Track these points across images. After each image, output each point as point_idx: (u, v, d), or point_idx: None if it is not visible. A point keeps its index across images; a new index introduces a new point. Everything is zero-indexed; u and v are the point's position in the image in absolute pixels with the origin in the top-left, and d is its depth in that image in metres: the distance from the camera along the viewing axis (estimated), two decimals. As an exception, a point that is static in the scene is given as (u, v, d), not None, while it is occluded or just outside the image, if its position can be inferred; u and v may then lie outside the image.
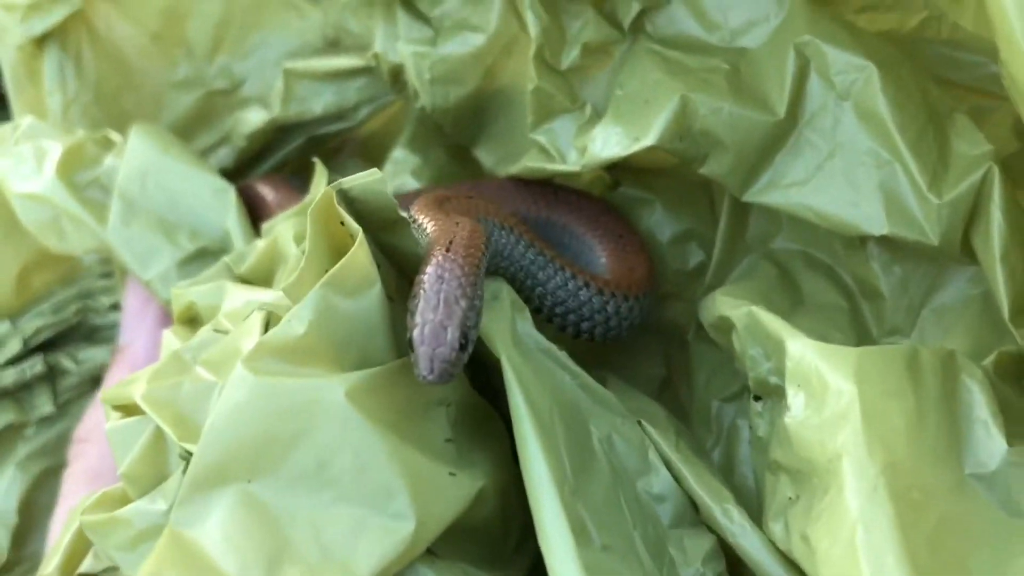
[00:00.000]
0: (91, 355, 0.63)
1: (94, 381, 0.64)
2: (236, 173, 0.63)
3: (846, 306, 0.46)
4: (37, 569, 0.59)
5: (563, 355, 0.41)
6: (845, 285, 0.47)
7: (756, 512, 0.41)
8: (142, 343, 0.57)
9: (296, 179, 0.60)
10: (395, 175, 0.57)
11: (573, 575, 0.32)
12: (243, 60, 0.64)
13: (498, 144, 0.54)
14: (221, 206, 0.55)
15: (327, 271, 0.34)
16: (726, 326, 0.43)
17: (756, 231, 0.49)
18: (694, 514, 0.40)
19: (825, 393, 0.34)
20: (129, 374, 0.55)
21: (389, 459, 0.32)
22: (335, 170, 0.63)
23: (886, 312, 0.45)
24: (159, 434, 0.37)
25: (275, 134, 0.61)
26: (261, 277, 0.48)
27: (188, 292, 0.47)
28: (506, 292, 0.41)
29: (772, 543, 0.37)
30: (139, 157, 0.56)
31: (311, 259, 0.35)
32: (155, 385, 0.37)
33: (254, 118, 0.61)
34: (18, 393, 0.62)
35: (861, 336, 0.45)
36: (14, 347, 0.61)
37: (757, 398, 0.42)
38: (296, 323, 0.33)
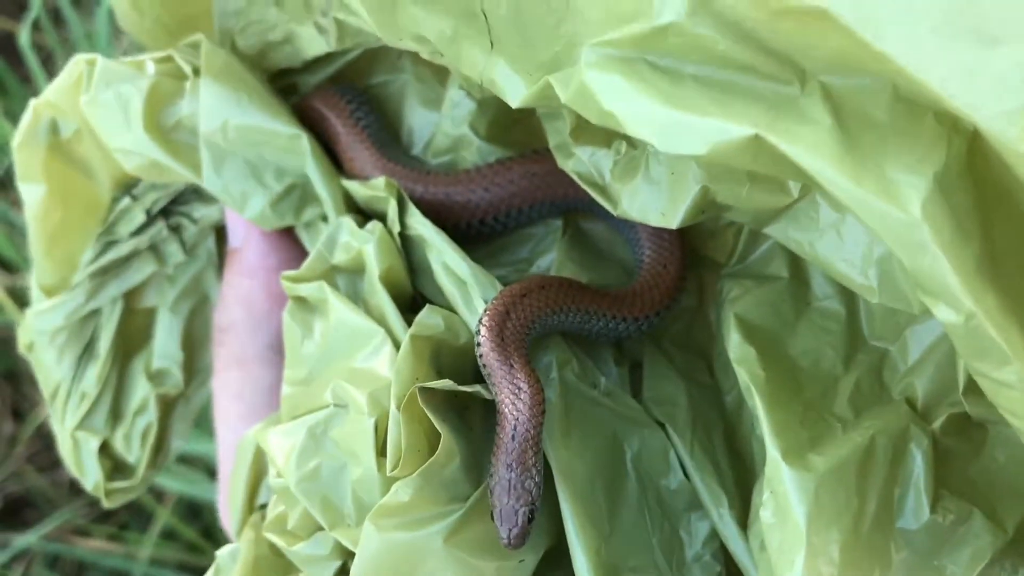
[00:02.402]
0: (205, 212, 0.72)
1: (212, 228, 0.74)
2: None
3: (844, 313, 0.54)
4: (208, 381, 0.77)
5: (603, 390, 0.53)
6: (848, 290, 0.54)
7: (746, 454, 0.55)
8: (252, 252, 0.67)
9: (349, 91, 0.64)
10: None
11: None
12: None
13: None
14: (297, 152, 0.61)
15: (422, 453, 0.46)
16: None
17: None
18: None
19: (786, 518, 0.46)
20: (246, 278, 0.67)
21: (478, 578, 0.47)
22: None
23: (876, 324, 0.54)
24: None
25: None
26: (351, 269, 0.58)
27: (297, 288, 0.58)
28: (555, 361, 0.52)
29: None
30: (214, 106, 0.60)
31: (409, 449, 0.46)
32: (303, 472, 0.51)
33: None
34: (153, 247, 0.73)
35: (850, 345, 0.54)
36: (139, 218, 0.71)
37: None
38: (403, 493, 0.46)
